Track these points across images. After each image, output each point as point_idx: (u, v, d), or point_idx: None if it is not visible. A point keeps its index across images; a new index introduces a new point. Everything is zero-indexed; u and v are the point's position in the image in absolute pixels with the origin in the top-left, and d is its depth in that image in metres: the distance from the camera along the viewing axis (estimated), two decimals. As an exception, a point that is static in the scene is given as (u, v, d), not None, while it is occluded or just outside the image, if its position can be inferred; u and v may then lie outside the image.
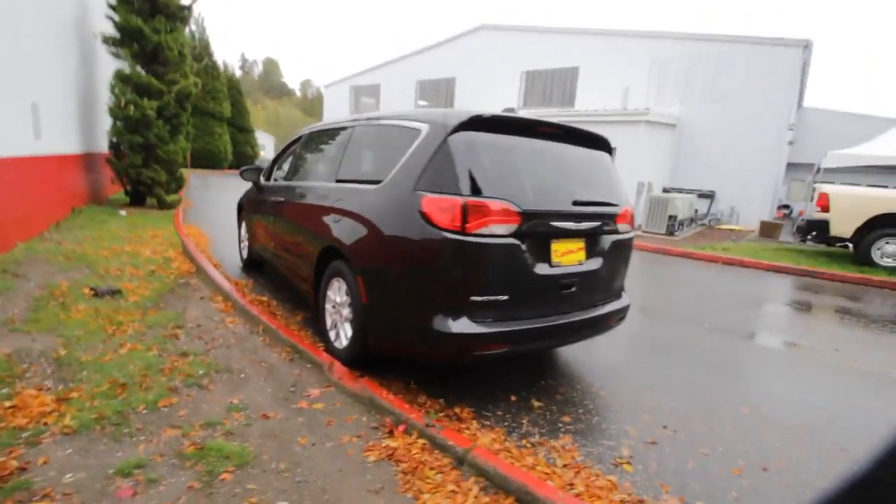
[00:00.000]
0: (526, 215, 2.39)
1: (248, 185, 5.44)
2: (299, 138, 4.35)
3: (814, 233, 8.20)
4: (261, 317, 3.48)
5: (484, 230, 2.28)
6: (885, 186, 9.86)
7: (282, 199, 4.02)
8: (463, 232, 2.24)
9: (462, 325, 2.30)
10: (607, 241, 2.87)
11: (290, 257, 3.83)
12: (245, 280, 4.91)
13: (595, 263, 2.80)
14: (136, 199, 8.93)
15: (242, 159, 34.23)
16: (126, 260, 5.10)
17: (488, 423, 2.48)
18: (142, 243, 6.02)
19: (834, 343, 4.23)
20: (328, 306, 3.15)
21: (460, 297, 2.30)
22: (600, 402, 2.81)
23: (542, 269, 2.51)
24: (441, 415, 2.49)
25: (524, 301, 2.48)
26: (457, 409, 2.56)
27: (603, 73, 18.21)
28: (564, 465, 2.13)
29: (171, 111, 8.42)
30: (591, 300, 2.85)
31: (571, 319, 2.67)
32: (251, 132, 37.06)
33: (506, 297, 2.41)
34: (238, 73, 61.97)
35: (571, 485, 1.94)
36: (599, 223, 2.79)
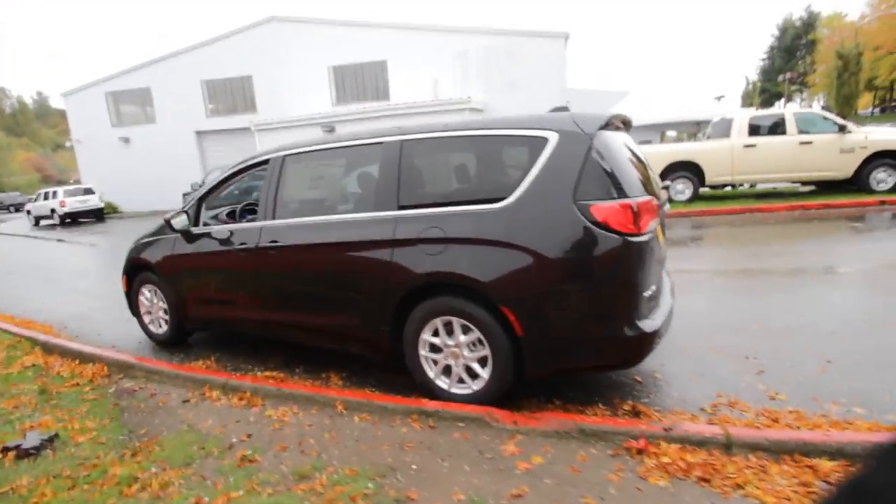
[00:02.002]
0: (658, 206, 2.53)
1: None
2: (260, 164, 3.42)
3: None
4: (329, 394, 2.74)
5: (650, 227, 2.34)
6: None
7: (272, 244, 3.14)
8: (638, 233, 2.25)
9: (647, 324, 2.33)
10: None
11: (315, 314, 3.07)
12: (204, 360, 3.70)
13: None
14: None
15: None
16: (-30, 391, 3.24)
17: (658, 408, 2.59)
18: (-47, 360, 3.87)
19: (749, 263, 5.66)
20: (422, 352, 2.71)
21: (639, 296, 2.32)
22: (689, 357, 3.19)
23: (660, 253, 2.70)
24: (625, 416, 2.49)
25: (658, 288, 2.64)
26: (625, 406, 2.59)
27: (411, 66, 18.94)
28: (757, 414, 2.43)
29: None
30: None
31: (671, 295, 2.96)
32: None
33: (655, 287, 2.52)
34: None
35: (798, 426, 2.24)
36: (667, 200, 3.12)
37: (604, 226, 2.22)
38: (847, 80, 26.37)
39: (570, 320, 2.33)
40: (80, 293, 6.41)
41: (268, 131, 17.74)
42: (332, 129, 16.84)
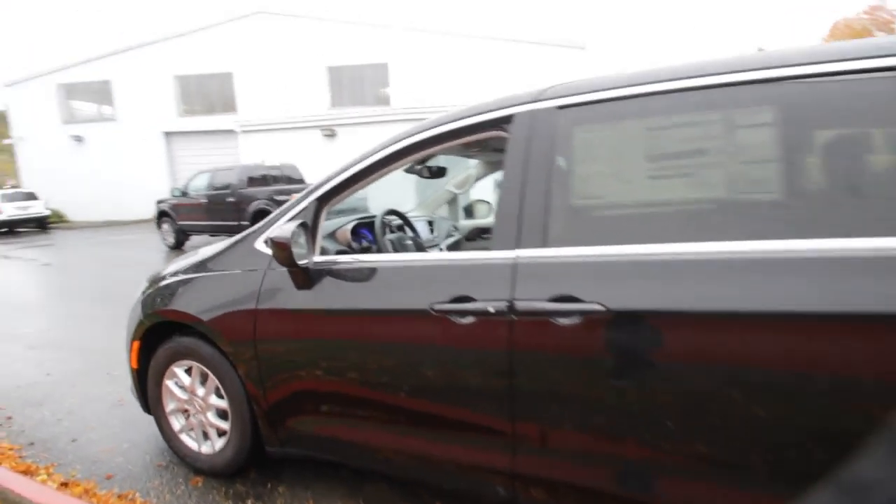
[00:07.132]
0: None
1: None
2: (475, 127, 1.65)
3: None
4: None
5: None
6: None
7: (569, 306, 1.34)
8: None
9: None
10: None
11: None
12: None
13: None
14: None
15: None
16: None
17: None
18: None
19: None
20: None
21: None
22: None
23: None
24: None
25: None
26: None
27: (415, 70, 17.39)
28: None
29: None
30: None
31: None
32: None
33: None
34: None
35: None
36: None
37: None
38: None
39: None
40: (30, 346, 4.23)
41: (255, 133, 15.57)
42: (332, 133, 14.94)
